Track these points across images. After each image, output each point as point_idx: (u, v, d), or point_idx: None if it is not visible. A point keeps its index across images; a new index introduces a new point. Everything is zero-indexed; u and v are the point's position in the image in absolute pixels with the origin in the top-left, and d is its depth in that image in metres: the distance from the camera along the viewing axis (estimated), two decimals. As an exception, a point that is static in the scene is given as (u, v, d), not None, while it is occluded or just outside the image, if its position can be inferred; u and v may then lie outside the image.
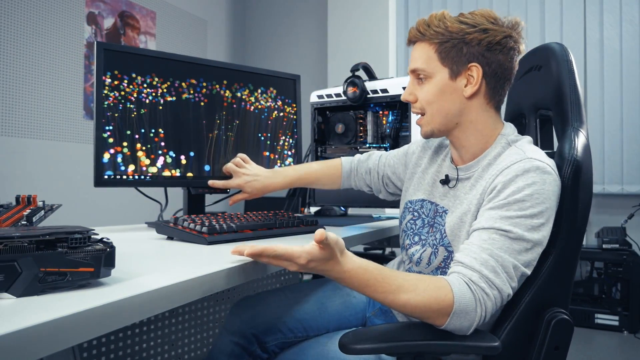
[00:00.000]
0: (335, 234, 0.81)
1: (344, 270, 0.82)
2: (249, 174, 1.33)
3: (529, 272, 0.89)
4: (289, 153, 1.62)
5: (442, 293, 0.82)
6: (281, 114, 1.59)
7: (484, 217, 0.91)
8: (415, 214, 1.11)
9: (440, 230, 1.02)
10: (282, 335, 1.16)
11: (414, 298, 0.82)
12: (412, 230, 1.11)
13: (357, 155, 1.37)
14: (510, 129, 1.03)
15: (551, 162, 0.93)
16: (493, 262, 0.85)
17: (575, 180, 0.94)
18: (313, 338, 1.13)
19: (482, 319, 0.83)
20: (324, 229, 0.78)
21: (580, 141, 0.98)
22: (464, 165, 1.04)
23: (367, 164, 1.33)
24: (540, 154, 0.94)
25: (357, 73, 1.67)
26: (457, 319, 0.82)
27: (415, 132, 1.60)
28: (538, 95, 1.07)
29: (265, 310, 1.18)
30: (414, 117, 1.63)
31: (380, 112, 1.72)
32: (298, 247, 0.79)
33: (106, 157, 1.25)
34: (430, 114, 1.02)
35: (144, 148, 1.31)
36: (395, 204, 1.28)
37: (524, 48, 1.01)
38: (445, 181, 1.06)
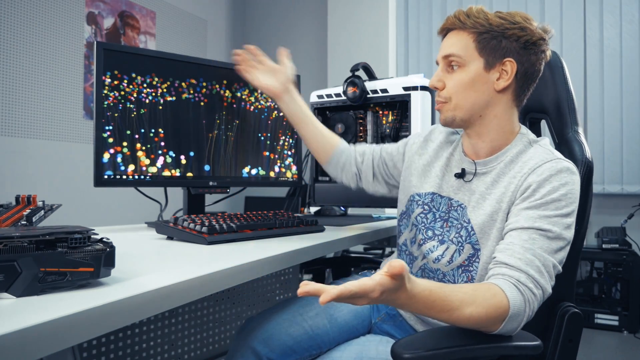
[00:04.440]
0: (400, 261, 0.73)
1: (410, 297, 0.76)
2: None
3: (561, 269, 0.91)
4: (289, 153, 1.62)
5: (498, 300, 0.81)
6: (281, 114, 1.59)
7: (521, 216, 0.91)
8: (426, 207, 1.10)
9: (466, 228, 1.01)
10: (298, 357, 1.11)
11: (476, 310, 0.80)
12: (423, 225, 1.09)
13: None
14: (527, 130, 1.05)
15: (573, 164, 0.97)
16: (538, 262, 0.86)
17: (587, 181, 0.98)
18: (326, 352, 1.11)
19: (528, 318, 0.84)
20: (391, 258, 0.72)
21: (587, 144, 1.02)
22: (481, 160, 1.04)
23: (362, 148, 1.32)
24: (562, 156, 0.98)
25: (357, 73, 1.67)
26: (510, 322, 0.82)
27: (415, 131, 1.59)
28: (530, 99, 1.09)
29: (279, 332, 1.12)
30: (414, 117, 1.65)
31: (380, 112, 1.72)
32: (369, 280, 0.72)
33: (106, 157, 1.25)
34: (455, 102, 1.01)
35: (143, 148, 1.31)
36: (394, 204, 1.27)
37: (550, 54, 1.03)
38: (461, 175, 1.05)
